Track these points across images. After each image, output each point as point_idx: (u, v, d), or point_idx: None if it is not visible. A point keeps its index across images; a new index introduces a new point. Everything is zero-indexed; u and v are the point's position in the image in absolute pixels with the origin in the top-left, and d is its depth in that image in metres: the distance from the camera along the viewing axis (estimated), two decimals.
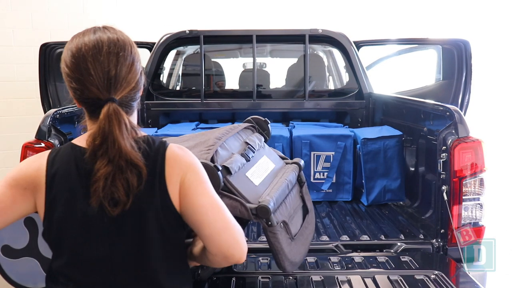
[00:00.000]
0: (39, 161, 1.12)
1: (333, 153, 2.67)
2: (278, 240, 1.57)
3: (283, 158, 1.98)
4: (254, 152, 1.78)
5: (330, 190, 2.71)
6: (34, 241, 1.64)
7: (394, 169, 2.60)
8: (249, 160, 1.71)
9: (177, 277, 1.18)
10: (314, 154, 2.68)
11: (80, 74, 1.07)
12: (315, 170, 2.69)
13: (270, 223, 1.55)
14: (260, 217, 1.53)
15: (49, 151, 1.15)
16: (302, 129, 2.84)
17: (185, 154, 1.15)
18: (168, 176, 1.11)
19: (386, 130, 2.71)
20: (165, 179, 1.10)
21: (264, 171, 1.75)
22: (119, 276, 1.11)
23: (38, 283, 1.65)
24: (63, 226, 1.10)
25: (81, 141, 1.14)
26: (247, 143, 1.80)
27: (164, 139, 1.19)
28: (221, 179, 1.50)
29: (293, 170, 1.85)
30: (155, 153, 1.12)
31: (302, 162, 1.94)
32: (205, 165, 1.34)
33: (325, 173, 2.69)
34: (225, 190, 1.53)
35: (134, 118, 1.17)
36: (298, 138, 2.69)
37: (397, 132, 2.64)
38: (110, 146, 1.04)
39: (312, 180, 2.70)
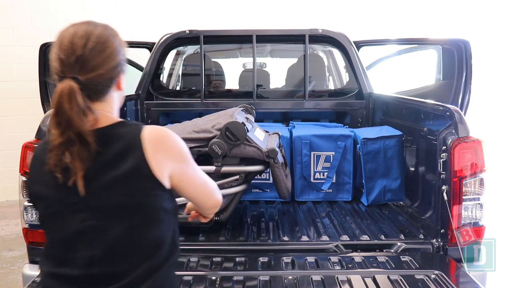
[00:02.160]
0: None
1: (333, 153, 2.67)
2: (281, 173, 2.23)
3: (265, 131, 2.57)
4: (252, 124, 2.41)
5: (330, 190, 2.70)
6: None
7: (394, 169, 2.60)
8: (252, 127, 2.34)
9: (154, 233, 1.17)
10: (314, 154, 2.68)
11: (57, 53, 1.13)
12: (315, 170, 2.69)
13: (276, 161, 2.17)
14: (270, 157, 2.14)
15: None
16: (302, 129, 2.84)
17: (165, 134, 1.18)
18: (150, 158, 1.12)
19: (386, 130, 2.70)
20: (146, 160, 1.11)
21: (261, 134, 2.37)
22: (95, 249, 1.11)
23: None
24: (42, 203, 1.18)
25: None
26: (247, 118, 2.45)
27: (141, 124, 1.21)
28: (246, 132, 2.10)
29: (277, 136, 2.46)
30: (128, 134, 1.14)
31: (281, 133, 2.56)
32: (235, 123, 2.09)
33: (325, 173, 2.69)
34: (246, 140, 2.14)
35: (107, 104, 1.19)
36: (298, 138, 2.69)
37: (397, 132, 2.64)
38: (61, 118, 1.08)
39: (312, 180, 2.69)
